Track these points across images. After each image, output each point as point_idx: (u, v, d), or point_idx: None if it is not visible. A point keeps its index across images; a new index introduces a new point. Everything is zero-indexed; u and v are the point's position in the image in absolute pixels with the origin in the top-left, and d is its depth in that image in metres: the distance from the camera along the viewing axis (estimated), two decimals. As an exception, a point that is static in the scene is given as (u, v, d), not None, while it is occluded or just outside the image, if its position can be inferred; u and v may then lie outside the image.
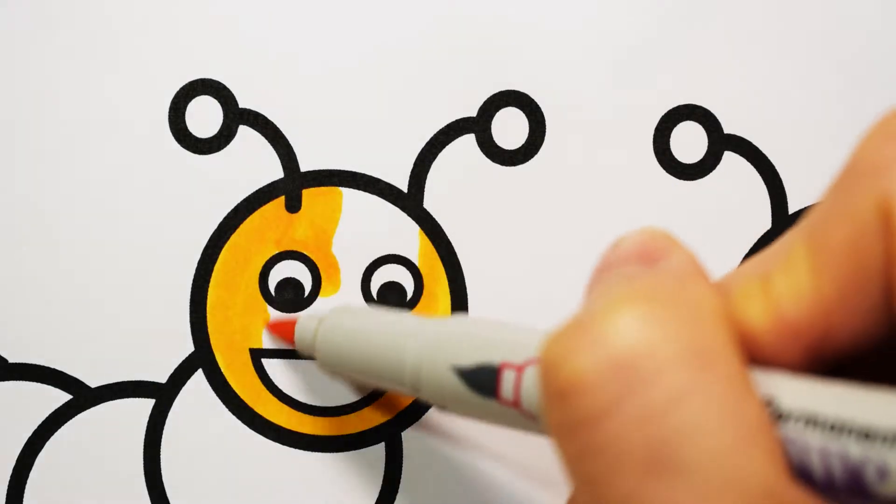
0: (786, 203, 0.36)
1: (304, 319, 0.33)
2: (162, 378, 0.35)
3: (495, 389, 0.24)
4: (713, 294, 0.20)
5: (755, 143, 0.36)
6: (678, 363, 0.18)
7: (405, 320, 0.30)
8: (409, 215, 0.36)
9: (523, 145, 0.36)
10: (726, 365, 0.19)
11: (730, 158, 0.36)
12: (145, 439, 0.35)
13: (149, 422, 0.35)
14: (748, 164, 0.36)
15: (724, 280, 0.22)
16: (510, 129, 0.36)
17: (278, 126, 0.36)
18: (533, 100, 0.36)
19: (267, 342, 0.36)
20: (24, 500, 0.35)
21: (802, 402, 0.19)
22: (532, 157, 0.36)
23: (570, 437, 0.19)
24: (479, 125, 0.36)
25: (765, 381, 0.19)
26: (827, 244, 0.20)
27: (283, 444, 0.35)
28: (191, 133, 0.36)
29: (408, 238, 0.36)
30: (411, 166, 0.36)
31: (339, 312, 0.32)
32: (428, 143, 0.36)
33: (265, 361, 0.35)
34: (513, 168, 0.36)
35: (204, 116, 0.36)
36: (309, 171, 0.36)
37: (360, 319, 0.32)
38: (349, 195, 0.36)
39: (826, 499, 0.18)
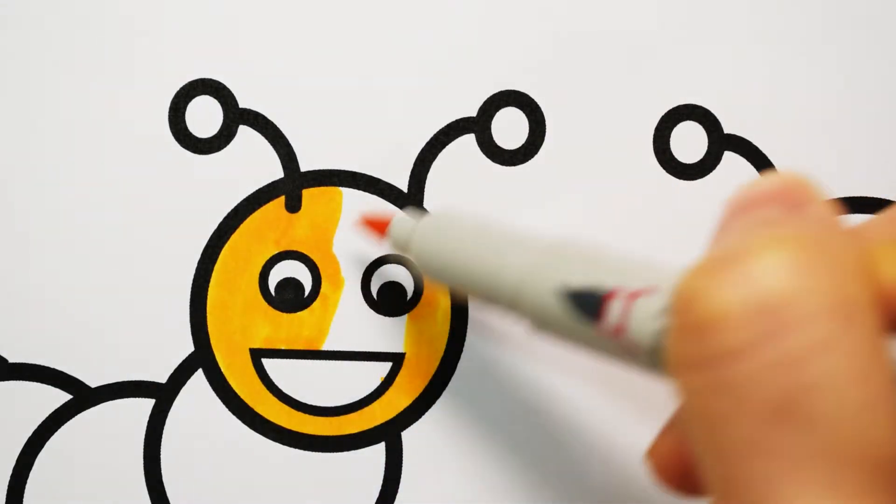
0: (786, 203, 0.36)
1: (401, 217, 0.32)
2: (162, 378, 0.35)
3: (599, 314, 0.24)
4: (857, 249, 0.20)
5: (755, 143, 0.36)
6: (823, 314, 0.19)
7: (510, 234, 0.28)
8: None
9: (523, 145, 0.36)
10: (867, 323, 0.19)
11: (730, 158, 0.36)
12: (145, 439, 0.35)
13: (149, 422, 0.35)
14: (748, 164, 0.36)
15: (857, 233, 0.22)
16: (510, 129, 0.36)
17: (278, 126, 0.36)
18: (533, 100, 0.36)
19: (266, 342, 0.36)
20: (24, 500, 0.35)
21: None
22: (532, 157, 0.36)
23: (700, 373, 0.19)
24: (479, 125, 0.36)
25: None
26: None
27: (283, 444, 0.35)
28: (191, 133, 0.36)
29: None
30: (411, 166, 0.36)
31: (438, 217, 0.31)
32: (428, 143, 0.36)
33: (265, 361, 0.35)
34: (513, 168, 0.36)
35: (204, 116, 0.36)
36: (309, 171, 0.36)
37: (461, 226, 0.30)
38: (349, 195, 0.36)
39: None
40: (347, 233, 0.36)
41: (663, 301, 0.22)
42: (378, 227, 0.34)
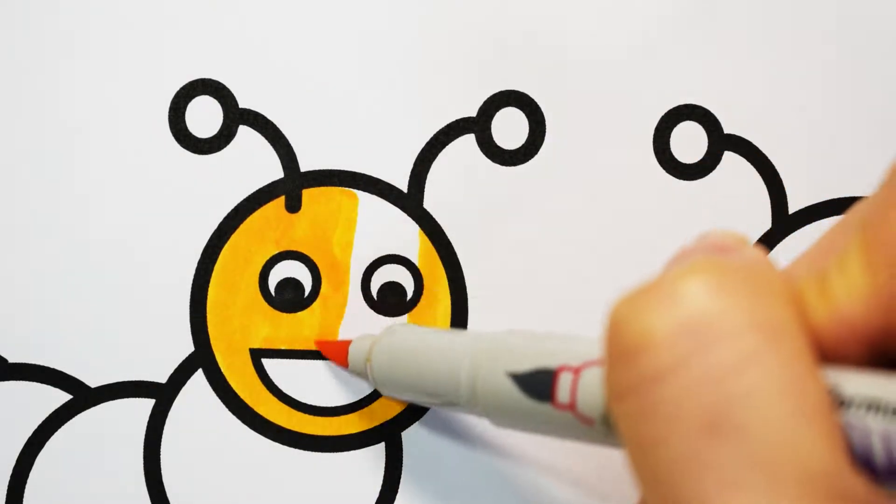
0: (786, 203, 0.36)
1: (358, 341, 0.34)
2: (162, 378, 0.35)
3: (551, 393, 0.25)
4: (783, 277, 0.20)
5: (755, 143, 0.36)
6: (747, 330, 0.19)
7: (458, 336, 0.30)
8: (409, 215, 0.36)
9: (523, 145, 0.36)
10: (793, 341, 0.19)
11: (730, 158, 0.36)
12: (145, 439, 0.35)
13: (149, 422, 0.35)
14: (748, 164, 0.36)
15: (787, 273, 0.22)
16: (510, 129, 0.36)
17: (278, 126, 0.36)
18: (533, 100, 0.36)
19: (267, 342, 0.36)
20: (24, 500, 0.35)
21: (864, 389, 0.19)
22: (532, 157, 0.36)
23: (631, 397, 0.19)
24: (479, 125, 0.36)
25: (828, 372, 0.19)
26: (882, 240, 0.20)
27: (283, 444, 0.35)
28: (191, 133, 0.36)
29: (408, 238, 0.36)
30: (411, 166, 0.36)
31: (392, 332, 0.33)
32: (428, 143, 0.36)
33: (265, 361, 0.35)
34: (513, 168, 0.36)
35: (204, 116, 0.36)
36: (309, 171, 0.36)
37: (413, 337, 0.32)
38: (349, 195, 0.36)
39: (886, 485, 0.18)
40: (348, 232, 0.36)
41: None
42: (336, 352, 0.35)
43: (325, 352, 0.35)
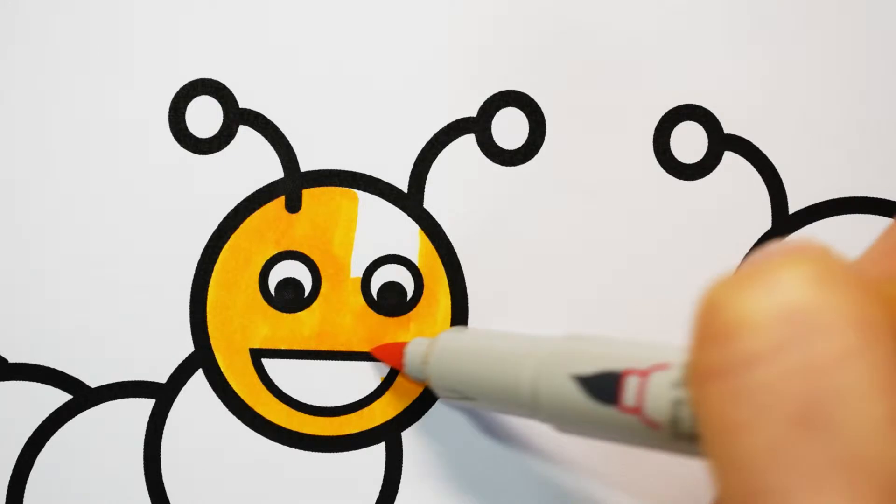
0: (786, 203, 0.36)
1: (415, 343, 0.34)
2: (162, 378, 0.35)
3: (617, 396, 0.24)
4: (871, 279, 0.20)
5: (755, 143, 0.36)
6: (848, 325, 0.19)
7: (520, 339, 0.30)
8: (409, 215, 0.36)
9: (523, 145, 0.36)
10: (890, 341, 0.19)
11: (730, 158, 0.36)
12: (145, 439, 0.35)
13: (149, 422, 0.35)
14: (748, 164, 0.36)
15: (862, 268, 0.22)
16: (510, 129, 0.36)
17: (278, 126, 0.36)
18: (533, 100, 0.36)
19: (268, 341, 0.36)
20: (24, 500, 0.35)
21: None
22: (532, 157, 0.36)
23: (721, 380, 0.19)
24: (479, 125, 0.36)
25: None
26: None
27: (283, 444, 0.35)
28: (191, 133, 0.36)
29: (408, 238, 0.36)
30: (411, 166, 0.36)
31: (452, 333, 0.33)
32: (428, 143, 0.36)
33: (265, 361, 0.35)
34: (513, 168, 0.36)
35: (204, 116, 0.36)
36: (309, 171, 0.36)
37: (472, 339, 0.32)
38: (349, 195, 0.36)
39: None
40: (348, 232, 0.36)
41: (677, 373, 0.23)
42: (392, 354, 0.34)
43: (380, 355, 0.35)
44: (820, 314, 0.19)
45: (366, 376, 0.35)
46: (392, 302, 0.36)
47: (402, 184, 0.36)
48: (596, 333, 0.27)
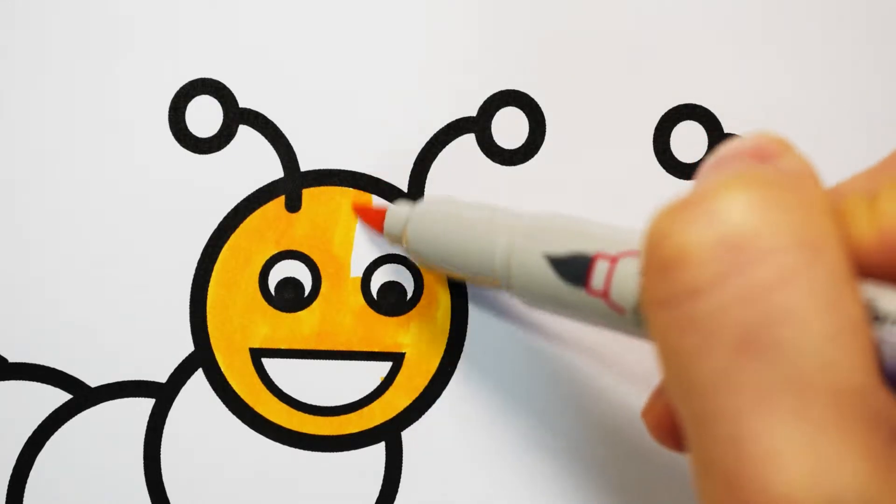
0: (786, 203, 0.36)
1: (396, 207, 0.34)
2: (162, 378, 0.35)
3: (586, 279, 0.25)
4: (825, 193, 0.21)
5: (755, 142, 0.36)
6: (788, 246, 0.19)
7: (498, 211, 0.30)
8: (409, 215, 0.36)
9: (523, 145, 0.36)
10: (833, 257, 0.19)
11: (730, 158, 0.36)
12: (145, 439, 0.35)
13: (149, 422, 0.35)
14: (748, 163, 0.36)
15: (832, 190, 0.22)
16: (510, 129, 0.36)
17: (278, 126, 0.36)
18: (533, 100, 0.36)
19: (266, 342, 0.36)
20: (24, 500, 0.35)
21: None
22: (532, 157, 0.36)
23: (669, 310, 0.20)
24: (479, 125, 0.36)
25: (865, 287, 0.20)
26: None
27: (283, 443, 0.35)
28: (191, 133, 0.36)
29: (408, 238, 0.36)
30: (411, 166, 0.36)
31: (432, 201, 0.33)
32: (428, 143, 0.36)
33: (265, 361, 0.35)
34: (513, 168, 0.36)
35: (204, 116, 0.36)
36: (309, 171, 0.36)
37: (453, 208, 0.32)
38: (349, 195, 0.36)
39: None
40: (348, 232, 0.36)
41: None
42: (373, 217, 0.35)
43: (362, 216, 0.35)
44: (757, 240, 0.19)
45: (366, 376, 0.35)
46: (392, 301, 0.36)
47: (402, 184, 0.36)
48: (574, 214, 0.28)
